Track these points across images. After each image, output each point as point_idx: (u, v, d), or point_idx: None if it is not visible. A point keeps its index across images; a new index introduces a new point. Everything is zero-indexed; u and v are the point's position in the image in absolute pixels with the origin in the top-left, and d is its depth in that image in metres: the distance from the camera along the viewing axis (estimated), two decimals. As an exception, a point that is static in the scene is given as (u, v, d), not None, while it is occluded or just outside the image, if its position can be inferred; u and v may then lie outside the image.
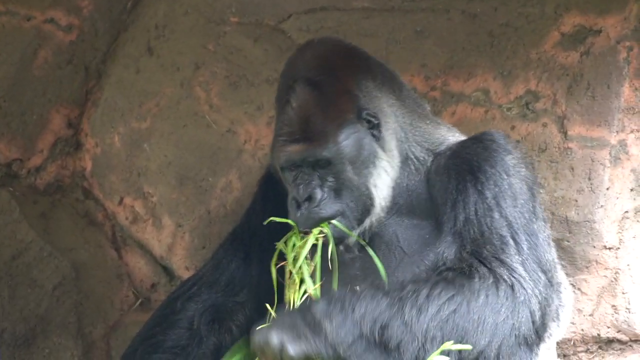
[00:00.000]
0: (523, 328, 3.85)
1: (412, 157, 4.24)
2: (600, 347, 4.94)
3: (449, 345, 3.72)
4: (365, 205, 4.09)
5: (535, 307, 3.89)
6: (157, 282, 5.38)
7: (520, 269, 3.93)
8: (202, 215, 5.24)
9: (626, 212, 4.87)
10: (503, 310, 3.82)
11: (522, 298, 3.86)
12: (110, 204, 5.35)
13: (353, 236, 4.08)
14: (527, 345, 3.87)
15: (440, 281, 3.84)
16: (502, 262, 3.93)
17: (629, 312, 4.86)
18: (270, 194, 4.48)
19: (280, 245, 4.08)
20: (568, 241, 4.81)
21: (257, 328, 3.78)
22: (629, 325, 4.87)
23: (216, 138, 5.22)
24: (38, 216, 5.31)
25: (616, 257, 4.87)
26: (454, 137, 4.37)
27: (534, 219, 4.11)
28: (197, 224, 5.25)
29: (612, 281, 4.88)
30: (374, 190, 4.11)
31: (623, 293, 4.87)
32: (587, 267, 4.88)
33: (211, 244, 5.12)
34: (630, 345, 4.91)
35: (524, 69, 4.96)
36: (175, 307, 4.44)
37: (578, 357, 4.94)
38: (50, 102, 5.30)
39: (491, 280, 3.86)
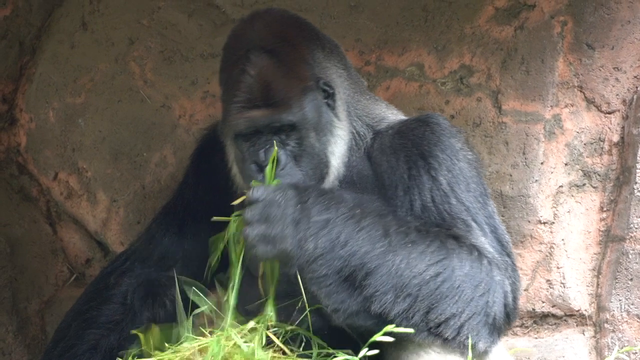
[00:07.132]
0: (495, 308, 3.80)
1: (354, 131, 4.23)
2: (535, 322, 4.97)
3: (391, 327, 3.62)
4: (322, 173, 4.07)
5: (508, 289, 3.86)
6: (91, 257, 5.36)
7: (492, 250, 3.92)
8: (136, 190, 5.21)
9: (561, 186, 4.90)
10: (482, 285, 3.77)
11: (498, 278, 3.83)
12: (45, 179, 5.32)
13: None
14: (494, 327, 3.81)
15: (436, 240, 3.77)
16: (475, 242, 3.91)
17: (564, 286, 4.89)
18: (203, 168, 4.49)
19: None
20: (503, 216, 4.83)
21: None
22: (563, 300, 4.90)
23: (151, 113, 5.19)
24: (-28, 192, 5.29)
25: (551, 232, 4.91)
26: (393, 114, 4.36)
27: (488, 202, 4.11)
28: (131, 199, 5.22)
29: (547, 256, 4.91)
30: (331, 158, 4.10)
31: (558, 268, 4.90)
32: (521, 242, 4.90)
33: (146, 219, 5.10)
34: (565, 320, 4.94)
35: (458, 44, 4.97)
36: (109, 282, 4.43)
37: (513, 331, 4.95)
38: (-16, 78, 5.28)
39: (476, 254, 3.82)
